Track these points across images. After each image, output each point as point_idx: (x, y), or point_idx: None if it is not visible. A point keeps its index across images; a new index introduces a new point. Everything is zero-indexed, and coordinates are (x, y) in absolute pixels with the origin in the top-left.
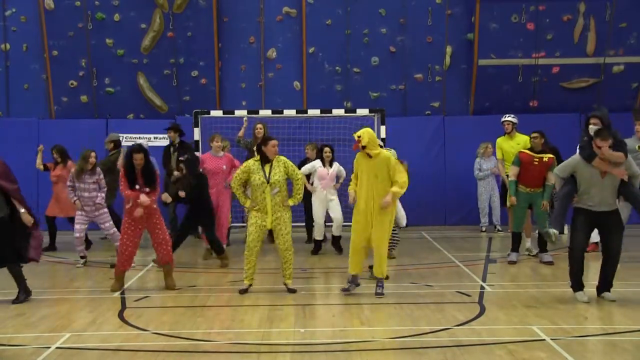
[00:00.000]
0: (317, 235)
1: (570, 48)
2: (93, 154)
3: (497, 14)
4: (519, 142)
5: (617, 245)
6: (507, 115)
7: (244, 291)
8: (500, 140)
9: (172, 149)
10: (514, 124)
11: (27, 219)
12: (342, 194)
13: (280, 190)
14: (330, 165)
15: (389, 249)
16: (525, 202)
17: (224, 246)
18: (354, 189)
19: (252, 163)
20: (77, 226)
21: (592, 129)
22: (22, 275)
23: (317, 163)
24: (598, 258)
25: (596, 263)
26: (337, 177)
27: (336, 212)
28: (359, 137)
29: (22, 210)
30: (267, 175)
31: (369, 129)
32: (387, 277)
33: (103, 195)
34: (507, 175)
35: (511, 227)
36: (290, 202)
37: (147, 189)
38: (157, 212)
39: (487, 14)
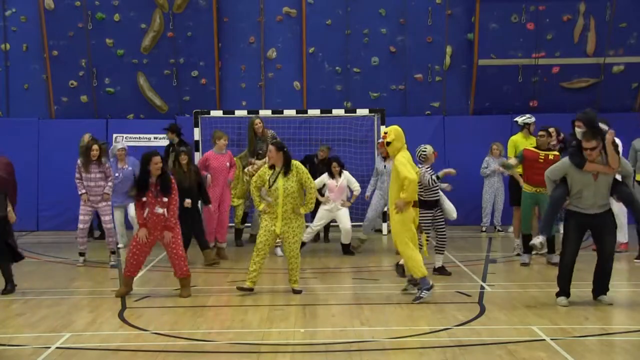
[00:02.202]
0: (306, 237)
1: (570, 48)
2: (95, 146)
3: (497, 14)
4: (533, 142)
5: (611, 246)
6: (531, 116)
7: (241, 289)
8: (516, 137)
9: (170, 149)
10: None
11: (12, 217)
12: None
13: (294, 197)
14: (340, 176)
15: (440, 249)
16: (532, 202)
17: (224, 245)
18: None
19: (265, 171)
20: (81, 217)
21: (577, 132)
22: (10, 271)
23: (326, 176)
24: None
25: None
26: (350, 190)
27: (345, 223)
28: (385, 133)
29: (10, 208)
30: (273, 181)
31: (397, 127)
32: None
33: (111, 185)
34: (520, 175)
35: (516, 231)
36: (302, 211)
37: (165, 199)
38: (174, 228)
39: (487, 14)
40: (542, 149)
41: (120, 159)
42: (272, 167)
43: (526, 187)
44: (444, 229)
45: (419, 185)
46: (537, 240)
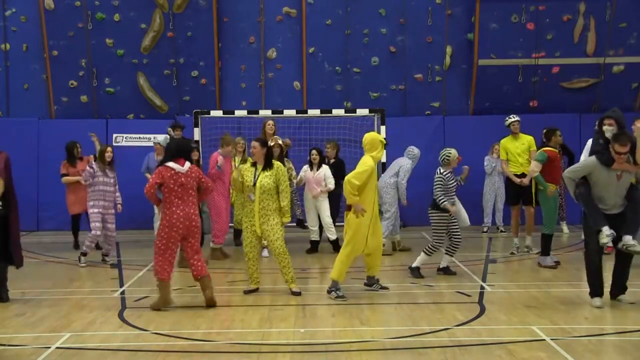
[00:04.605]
0: (312, 235)
1: (570, 48)
2: (109, 148)
3: (497, 14)
4: (524, 142)
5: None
6: (514, 116)
7: (248, 292)
8: (505, 141)
9: None
10: (519, 122)
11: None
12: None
13: (270, 195)
14: (318, 169)
15: (451, 252)
16: (556, 200)
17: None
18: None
19: (248, 166)
20: (95, 224)
21: (607, 130)
22: (6, 275)
23: (305, 167)
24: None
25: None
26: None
27: (325, 216)
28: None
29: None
30: (255, 177)
31: (372, 133)
32: None
33: (119, 195)
34: (517, 175)
35: (514, 230)
36: (284, 219)
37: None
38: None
39: (487, 14)
40: (557, 148)
41: (158, 152)
42: (254, 164)
43: (552, 187)
44: (458, 233)
45: (440, 188)
46: (605, 237)
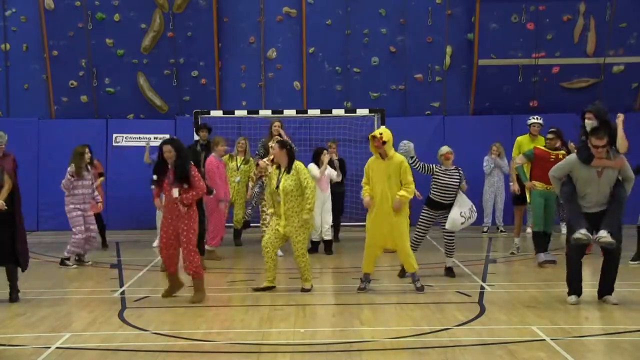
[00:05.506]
0: (313, 236)
1: (570, 48)
2: (87, 149)
3: (497, 14)
4: (539, 144)
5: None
6: (537, 118)
7: (258, 289)
8: (521, 139)
9: (199, 148)
10: (541, 125)
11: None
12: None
13: (293, 196)
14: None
15: (449, 253)
16: (542, 198)
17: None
18: (369, 194)
19: (274, 172)
20: (79, 227)
21: (587, 124)
22: (16, 275)
23: (311, 165)
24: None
25: (589, 267)
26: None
27: (326, 215)
28: (380, 134)
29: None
30: (278, 181)
31: (387, 129)
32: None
33: (97, 194)
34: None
35: (517, 230)
36: (305, 216)
37: (181, 186)
38: (186, 217)
39: (487, 14)
40: (550, 149)
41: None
42: (279, 167)
43: (538, 184)
44: (448, 233)
45: (433, 183)
46: (579, 234)
